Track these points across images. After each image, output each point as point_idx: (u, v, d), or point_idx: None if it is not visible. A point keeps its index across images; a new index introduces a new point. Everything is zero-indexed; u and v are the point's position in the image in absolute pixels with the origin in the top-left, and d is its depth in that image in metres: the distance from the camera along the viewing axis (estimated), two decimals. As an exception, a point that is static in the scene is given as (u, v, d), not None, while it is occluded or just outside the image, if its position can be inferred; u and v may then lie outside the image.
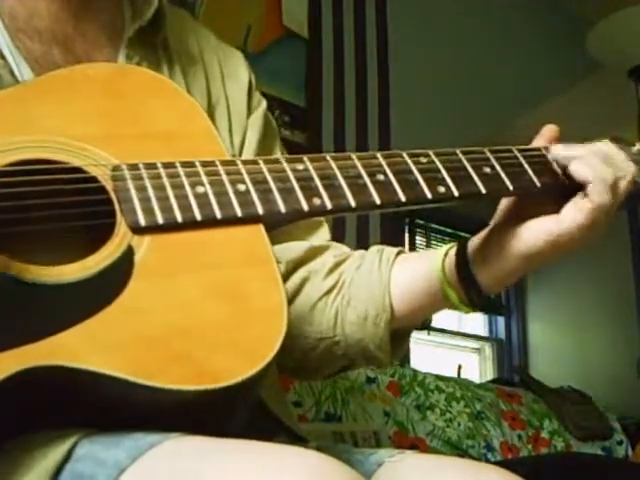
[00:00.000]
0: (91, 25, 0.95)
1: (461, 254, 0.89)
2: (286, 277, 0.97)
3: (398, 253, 0.97)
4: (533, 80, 3.60)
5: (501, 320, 4.22)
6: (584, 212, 0.81)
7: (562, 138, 0.90)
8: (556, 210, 0.83)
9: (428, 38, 3.34)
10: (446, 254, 0.90)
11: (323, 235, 1.05)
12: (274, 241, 0.96)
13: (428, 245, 3.87)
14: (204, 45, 1.06)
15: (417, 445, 2.37)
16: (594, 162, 0.83)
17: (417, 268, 0.93)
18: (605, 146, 0.86)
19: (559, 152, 0.86)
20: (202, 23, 1.13)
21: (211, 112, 0.99)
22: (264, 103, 1.09)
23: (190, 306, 0.69)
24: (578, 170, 0.83)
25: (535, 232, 0.83)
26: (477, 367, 4.09)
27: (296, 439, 0.93)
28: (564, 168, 0.85)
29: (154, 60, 0.96)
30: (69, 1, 0.94)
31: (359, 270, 0.96)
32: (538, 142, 0.90)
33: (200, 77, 1.02)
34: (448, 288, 0.89)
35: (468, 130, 3.14)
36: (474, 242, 0.89)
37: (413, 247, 3.73)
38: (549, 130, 0.91)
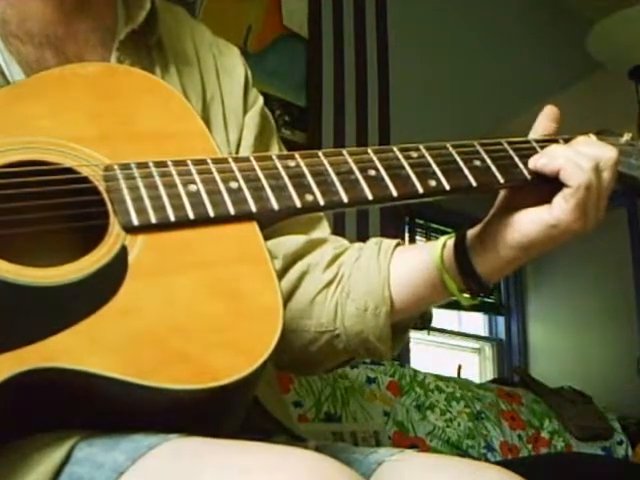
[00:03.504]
0: (84, 28, 0.95)
1: (460, 244, 0.89)
2: (284, 270, 0.97)
3: (397, 245, 0.97)
4: (533, 80, 3.60)
5: (501, 320, 4.22)
6: (568, 199, 0.81)
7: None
8: (550, 200, 0.83)
9: (428, 38, 3.34)
10: (444, 245, 0.90)
11: (324, 230, 1.05)
12: (273, 236, 0.96)
13: (428, 245, 3.86)
14: (199, 42, 1.06)
15: (417, 445, 2.37)
16: (560, 152, 0.84)
17: (416, 259, 0.93)
18: (579, 138, 0.87)
19: (533, 164, 0.86)
20: (202, 23, 1.13)
21: (206, 111, 0.99)
22: (261, 100, 1.09)
23: (186, 305, 0.69)
24: (546, 164, 0.83)
25: (529, 222, 0.83)
26: (477, 367, 4.09)
27: (295, 439, 0.93)
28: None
29: (147, 63, 0.96)
30: (62, 4, 0.93)
31: (358, 262, 0.96)
32: (540, 122, 0.91)
33: (195, 76, 1.02)
34: (447, 278, 0.89)
35: (468, 130, 3.14)
36: (473, 232, 0.89)
37: (413, 247, 3.72)
38: (550, 109, 0.91)
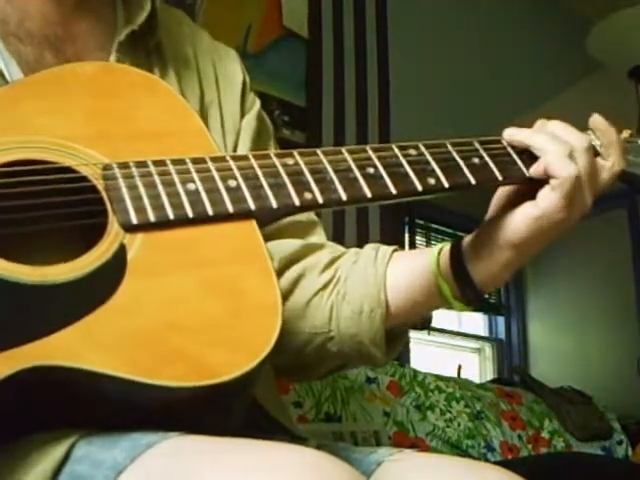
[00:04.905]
0: (83, 28, 0.95)
1: (455, 250, 0.89)
2: (280, 273, 0.96)
3: (394, 250, 0.97)
4: (533, 80, 3.60)
5: (501, 320, 4.23)
6: (555, 189, 0.81)
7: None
8: None
9: (428, 39, 3.34)
10: (440, 250, 0.91)
11: (320, 236, 1.05)
12: (269, 240, 0.96)
13: (428, 245, 3.87)
14: (198, 46, 1.06)
15: (417, 445, 2.38)
16: (543, 144, 0.83)
17: (413, 264, 0.93)
18: (551, 125, 0.86)
19: (514, 137, 0.86)
20: (202, 23, 1.13)
21: (204, 115, 0.99)
22: (258, 103, 1.09)
23: (185, 303, 0.69)
24: (539, 163, 0.83)
25: (516, 219, 0.83)
26: (477, 367, 4.09)
27: (296, 438, 0.93)
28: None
29: (146, 65, 0.96)
30: (61, 4, 0.93)
31: (355, 265, 0.96)
32: None
33: (193, 80, 1.02)
34: (442, 282, 0.89)
35: (468, 131, 3.14)
36: (468, 239, 0.90)
37: (413, 247, 3.73)
38: None
